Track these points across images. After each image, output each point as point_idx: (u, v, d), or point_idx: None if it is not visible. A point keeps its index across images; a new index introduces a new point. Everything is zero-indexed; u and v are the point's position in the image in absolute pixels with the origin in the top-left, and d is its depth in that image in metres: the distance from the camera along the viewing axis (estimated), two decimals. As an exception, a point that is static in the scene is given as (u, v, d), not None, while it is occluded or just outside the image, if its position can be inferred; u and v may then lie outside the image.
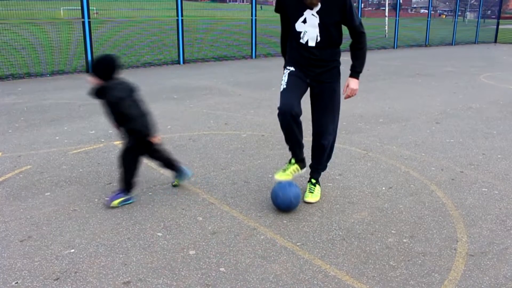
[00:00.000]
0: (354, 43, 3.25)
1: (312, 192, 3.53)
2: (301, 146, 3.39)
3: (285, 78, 3.28)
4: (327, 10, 3.08)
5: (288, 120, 3.14)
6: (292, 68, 3.30)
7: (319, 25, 3.12)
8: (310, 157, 3.59)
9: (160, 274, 2.56)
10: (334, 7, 3.07)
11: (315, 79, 3.29)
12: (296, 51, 3.27)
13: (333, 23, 3.13)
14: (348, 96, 3.36)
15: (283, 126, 3.21)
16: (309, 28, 3.14)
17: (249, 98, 7.54)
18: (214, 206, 3.43)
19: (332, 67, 3.29)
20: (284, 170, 3.40)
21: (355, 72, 3.30)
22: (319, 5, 3.06)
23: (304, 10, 3.11)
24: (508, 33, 23.62)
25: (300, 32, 3.18)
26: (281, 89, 3.26)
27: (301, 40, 3.20)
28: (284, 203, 3.28)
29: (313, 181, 3.59)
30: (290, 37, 3.30)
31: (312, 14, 3.11)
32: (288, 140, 3.34)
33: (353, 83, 3.31)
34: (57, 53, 11.49)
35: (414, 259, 2.74)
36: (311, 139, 3.51)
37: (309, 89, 3.36)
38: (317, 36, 3.15)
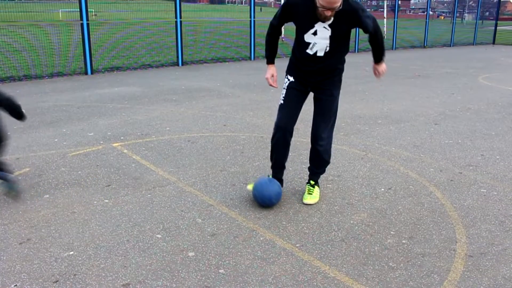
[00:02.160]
0: (372, 38, 3.23)
1: (310, 194, 3.53)
2: (282, 166, 3.55)
3: (284, 91, 3.36)
4: (339, 23, 3.04)
5: (279, 138, 3.33)
6: (292, 79, 3.32)
7: (330, 37, 3.09)
8: (309, 159, 3.59)
9: (159, 276, 2.56)
10: (347, 19, 3.03)
11: (316, 85, 3.30)
12: (301, 60, 3.24)
13: (344, 34, 3.13)
14: (380, 76, 3.43)
15: (273, 141, 3.39)
16: (319, 40, 3.11)
17: (248, 100, 7.54)
18: (213, 208, 3.43)
19: (335, 75, 3.29)
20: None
21: (380, 59, 3.35)
22: (332, 18, 3.02)
23: (316, 23, 3.06)
24: (506, 35, 23.69)
25: (308, 43, 3.14)
26: (280, 103, 3.35)
27: (308, 51, 3.16)
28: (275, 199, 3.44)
29: (312, 182, 3.60)
30: (295, 45, 3.26)
31: (324, 27, 3.06)
32: (273, 155, 3.48)
33: (381, 66, 3.37)
34: (56, 55, 11.49)
35: (413, 260, 2.75)
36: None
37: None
38: (326, 47, 3.13)
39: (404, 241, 2.97)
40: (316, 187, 3.59)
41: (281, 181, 3.60)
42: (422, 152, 4.80)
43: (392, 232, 3.09)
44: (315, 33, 3.09)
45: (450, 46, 20.75)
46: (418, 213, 3.38)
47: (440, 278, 2.57)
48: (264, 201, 3.39)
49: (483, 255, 2.81)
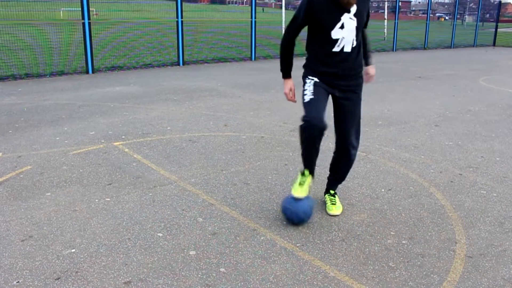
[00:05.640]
0: (362, 35, 3.18)
1: (334, 204, 3.41)
2: (316, 158, 3.19)
3: (310, 87, 3.05)
4: (361, 11, 2.98)
5: (316, 135, 2.95)
6: (316, 79, 3.08)
7: (356, 28, 2.98)
8: (330, 169, 3.46)
9: (160, 274, 2.58)
10: (364, 6, 3.01)
11: (345, 89, 3.13)
12: (327, 61, 3.05)
13: (363, 25, 3.07)
14: (371, 79, 3.37)
15: (309, 140, 2.99)
16: (346, 33, 2.96)
17: (248, 100, 7.55)
18: (214, 207, 3.45)
19: (361, 75, 3.19)
20: (301, 184, 3.12)
21: (369, 60, 3.34)
22: (355, 7, 2.93)
23: (342, 15, 2.92)
24: (506, 36, 23.71)
25: (336, 40, 2.97)
26: (308, 99, 3.02)
27: (335, 49, 2.99)
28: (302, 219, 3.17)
29: (332, 192, 3.48)
30: (318, 46, 3.06)
31: (350, 18, 2.93)
32: (308, 153, 3.10)
33: (373, 69, 3.35)
34: (57, 54, 11.50)
35: (413, 261, 2.76)
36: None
37: (332, 101, 3.22)
38: (353, 40, 3.00)
39: (404, 242, 2.99)
40: (336, 195, 3.49)
41: (313, 172, 3.23)
42: (423, 153, 4.81)
43: (392, 233, 3.11)
44: (342, 27, 2.94)
45: (451, 47, 20.78)
46: (418, 213, 3.40)
47: (440, 279, 2.58)
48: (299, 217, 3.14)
49: (482, 256, 2.82)
